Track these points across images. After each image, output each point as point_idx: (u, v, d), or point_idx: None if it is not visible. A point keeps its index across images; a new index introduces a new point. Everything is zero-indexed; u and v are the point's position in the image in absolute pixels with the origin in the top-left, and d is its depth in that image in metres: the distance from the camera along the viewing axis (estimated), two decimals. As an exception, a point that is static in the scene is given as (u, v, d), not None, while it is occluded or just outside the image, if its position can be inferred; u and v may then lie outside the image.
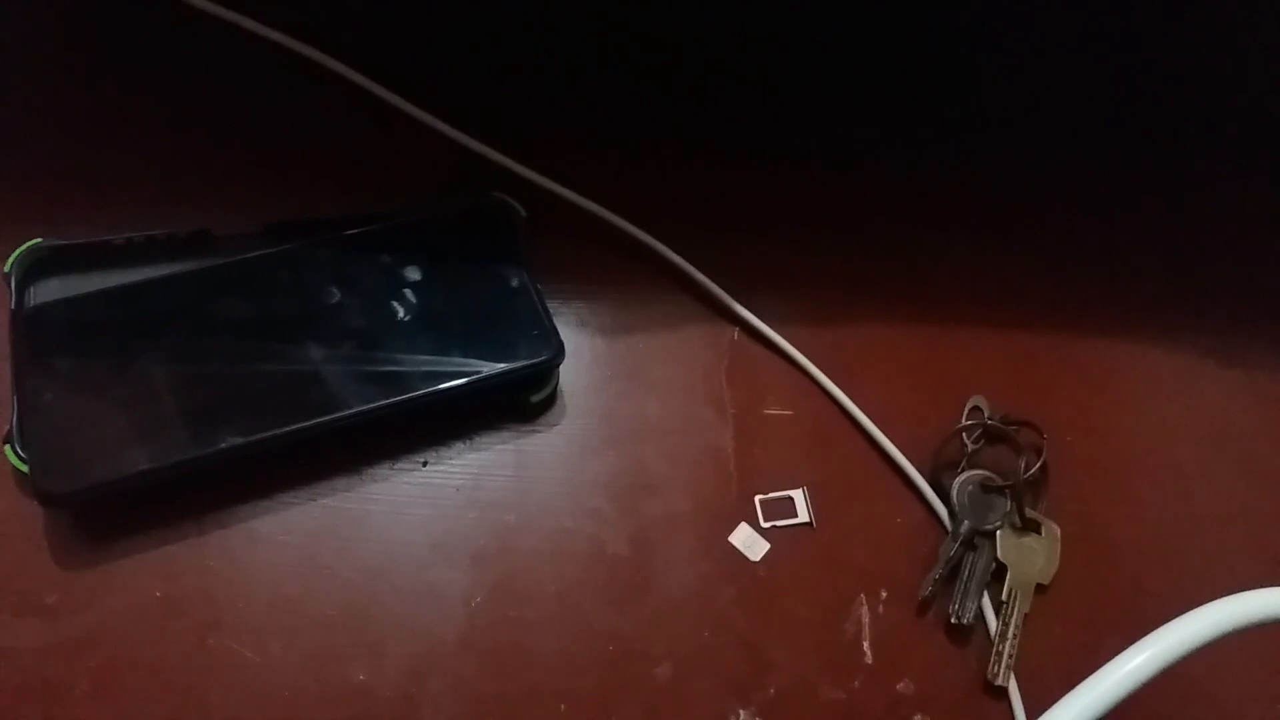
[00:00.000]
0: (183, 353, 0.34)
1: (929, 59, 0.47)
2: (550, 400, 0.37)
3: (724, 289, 0.39)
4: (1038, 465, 0.37)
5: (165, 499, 0.33)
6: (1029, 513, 0.36)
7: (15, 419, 0.32)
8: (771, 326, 0.39)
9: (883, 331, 0.40)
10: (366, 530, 0.34)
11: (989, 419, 0.38)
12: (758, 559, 0.35)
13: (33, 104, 0.41)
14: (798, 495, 0.36)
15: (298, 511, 0.34)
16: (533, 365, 0.35)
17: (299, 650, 0.32)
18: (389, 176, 0.40)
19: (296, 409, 0.33)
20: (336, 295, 0.36)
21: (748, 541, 0.35)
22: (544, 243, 0.39)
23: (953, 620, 0.34)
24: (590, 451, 0.36)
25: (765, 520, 0.35)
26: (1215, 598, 0.28)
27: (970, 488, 0.36)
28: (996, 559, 0.35)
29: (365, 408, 0.33)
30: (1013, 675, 0.33)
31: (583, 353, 0.38)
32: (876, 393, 0.38)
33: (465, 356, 0.35)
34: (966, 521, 0.35)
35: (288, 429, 0.33)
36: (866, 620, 0.34)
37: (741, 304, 0.39)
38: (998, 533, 0.35)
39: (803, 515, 0.36)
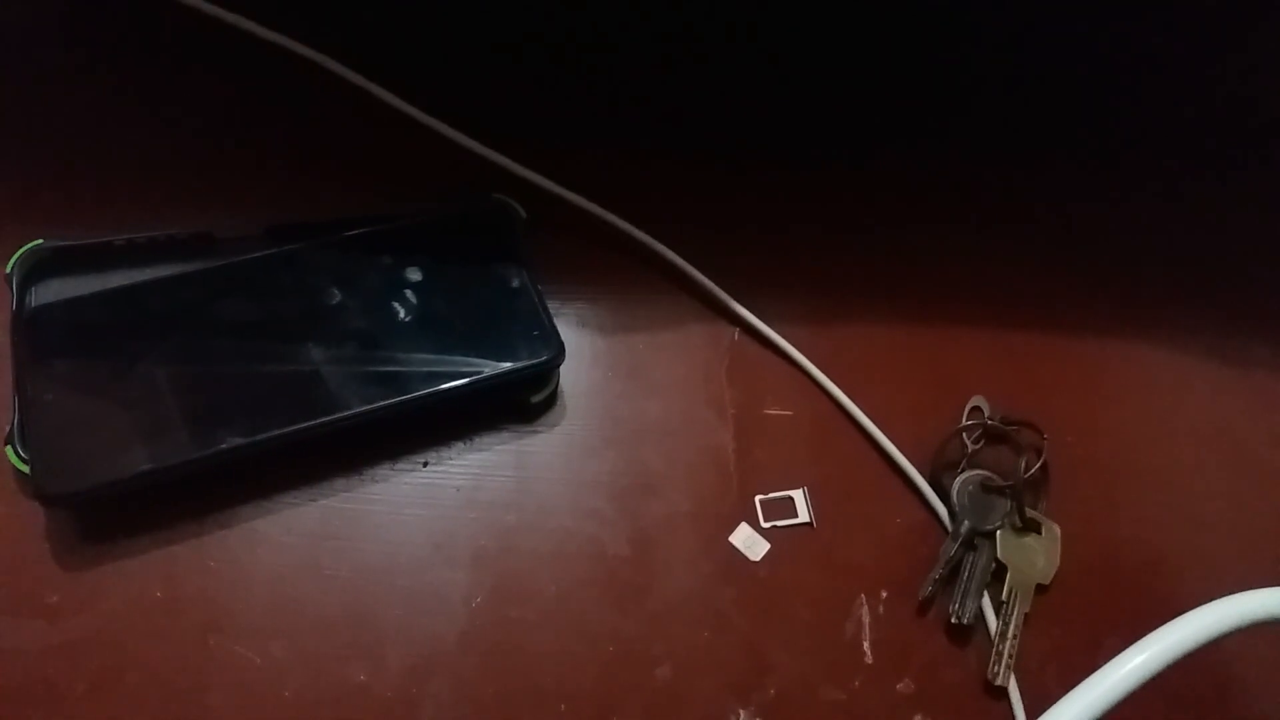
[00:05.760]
0: (184, 354, 0.34)
1: (926, 59, 0.47)
2: (550, 401, 0.37)
3: (724, 289, 0.39)
4: (1038, 465, 0.37)
5: (166, 500, 0.33)
6: (1029, 513, 0.36)
7: (16, 420, 0.32)
8: (772, 327, 0.39)
9: (883, 331, 0.40)
10: (367, 531, 0.34)
11: (989, 419, 0.38)
12: (758, 559, 0.35)
13: (34, 105, 0.41)
14: (798, 495, 0.36)
15: (298, 512, 0.34)
16: (533, 366, 0.35)
17: (299, 651, 0.32)
18: (390, 178, 0.40)
19: (297, 410, 0.33)
20: (337, 296, 0.36)
21: (748, 542, 0.35)
22: (544, 243, 0.39)
23: (953, 620, 0.34)
24: (590, 452, 0.36)
25: (765, 520, 0.36)
26: (1215, 598, 0.28)
27: (970, 488, 0.36)
28: (997, 559, 0.35)
29: (366, 408, 0.33)
30: (1013, 675, 0.33)
31: (583, 353, 0.38)
32: (877, 393, 0.38)
33: (466, 357, 0.35)
34: (967, 522, 0.35)
35: (288, 429, 0.33)
36: (867, 620, 0.34)
37: (741, 304, 0.39)
38: (998, 533, 0.35)
39: (803, 515, 0.36)
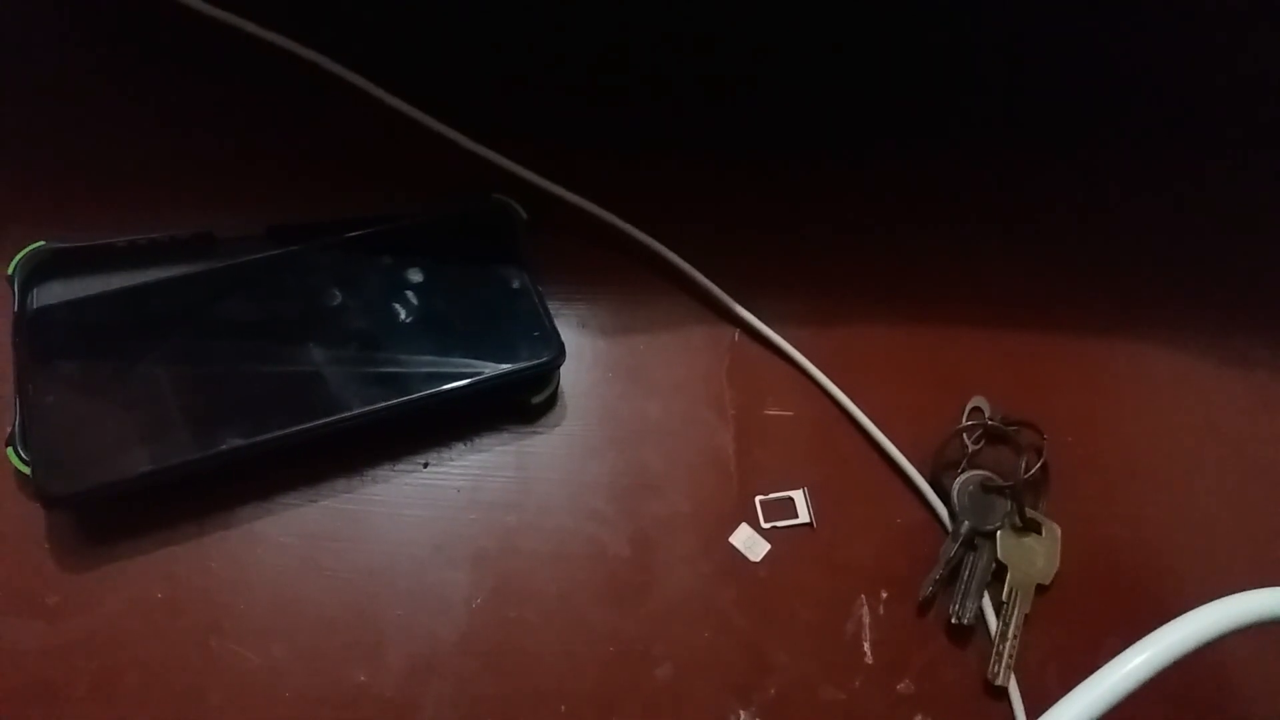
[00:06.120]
0: (185, 355, 0.34)
1: (927, 59, 0.47)
2: (551, 401, 0.37)
3: (724, 290, 0.39)
4: (1038, 466, 0.37)
5: (167, 500, 0.33)
6: (1029, 513, 0.36)
7: (17, 421, 0.32)
8: (772, 327, 0.39)
9: (883, 332, 0.40)
10: (367, 531, 0.34)
11: (989, 419, 0.38)
12: (758, 559, 0.35)
13: (35, 107, 0.41)
14: (798, 496, 0.36)
15: (299, 513, 0.34)
16: (534, 366, 0.35)
17: (300, 651, 0.32)
18: (390, 178, 0.40)
19: (298, 410, 0.33)
20: (338, 297, 0.36)
21: (748, 542, 0.35)
22: (545, 244, 0.39)
23: (953, 620, 0.34)
24: (591, 452, 0.36)
25: (766, 521, 0.36)
26: (1215, 598, 0.28)
27: (971, 488, 0.36)
28: (997, 559, 0.35)
29: (366, 409, 0.33)
30: (1013, 675, 0.33)
31: (583, 354, 0.38)
32: (877, 393, 0.38)
33: (466, 358, 0.35)
34: (967, 522, 0.35)
35: (289, 430, 0.33)
36: (867, 620, 0.34)
37: (742, 305, 0.39)
38: (998, 533, 0.35)
39: (803, 516, 0.36)
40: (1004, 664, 0.33)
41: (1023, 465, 0.36)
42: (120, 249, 0.36)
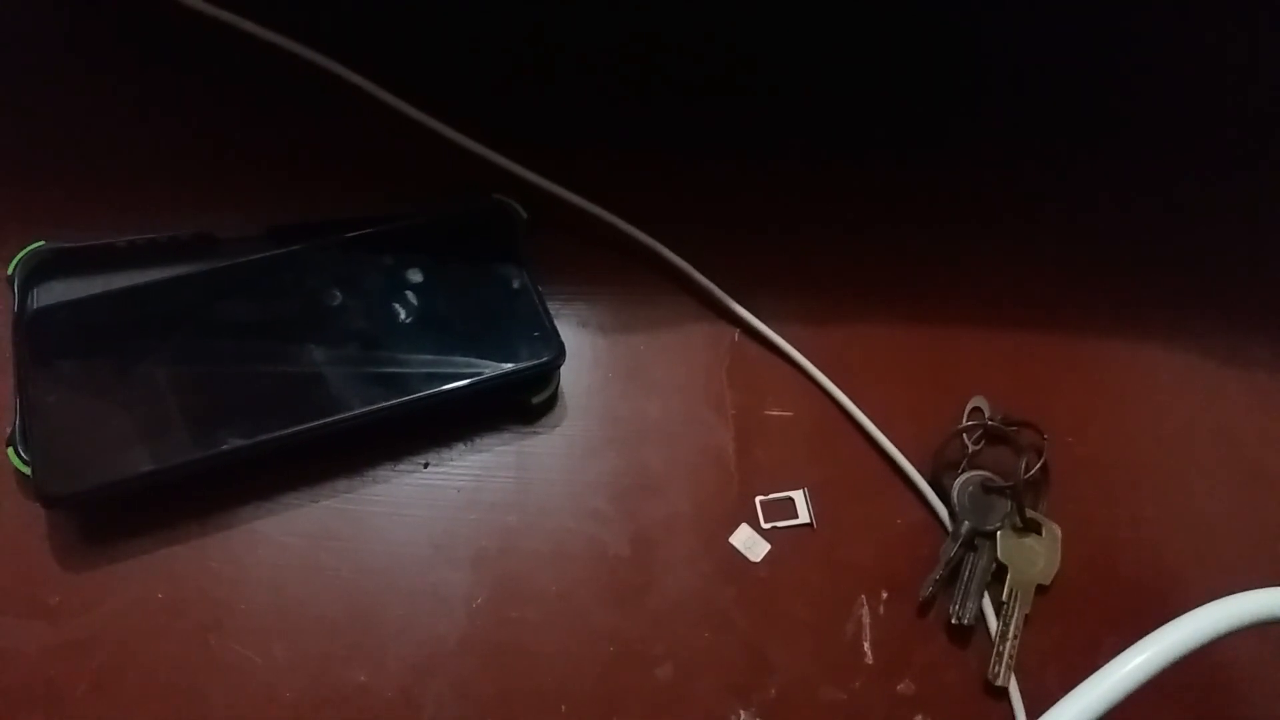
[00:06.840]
0: (185, 355, 0.34)
1: (928, 58, 0.47)
2: (551, 401, 0.37)
3: (724, 290, 0.39)
4: (1038, 466, 0.37)
5: (167, 500, 0.33)
6: (1029, 513, 0.36)
7: (18, 421, 0.32)
8: (772, 327, 0.39)
9: (883, 332, 0.40)
10: (368, 531, 0.34)
11: (989, 420, 0.38)
12: (758, 560, 0.35)
13: (35, 107, 0.41)
14: (798, 496, 0.36)
15: (299, 513, 0.34)
16: (534, 366, 0.35)
17: (300, 651, 0.32)
18: (390, 179, 0.40)
19: (298, 410, 0.33)
20: (338, 297, 0.36)
21: (748, 542, 0.35)
22: (545, 244, 0.39)
23: (953, 621, 0.34)
24: (591, 452, 0.36)
25: (766, 521, 0.36)
26: (1215, 598, 0.28)
27: (971, 488, 0.36)
28: (997, 560, 0.35)
29: (367, 409, 0.33)
30: (1013, 676, 0.33)
31: (584, 354, 0.38)
32: (877, 393, 0.38)
33: (467, 358, 0.35)
34: (967, 522, 0.35)
35: (290, 430, 0.33)
36: (867, 621, 0.34)
37: (742, 305, 0.39)
38: (998, 533, 0.35)
39: (803, 516, 0.36)
40: (1004, 664, 0.33)
41: (1023, 465, 0.36)
42: (120, 249, 0.36)
